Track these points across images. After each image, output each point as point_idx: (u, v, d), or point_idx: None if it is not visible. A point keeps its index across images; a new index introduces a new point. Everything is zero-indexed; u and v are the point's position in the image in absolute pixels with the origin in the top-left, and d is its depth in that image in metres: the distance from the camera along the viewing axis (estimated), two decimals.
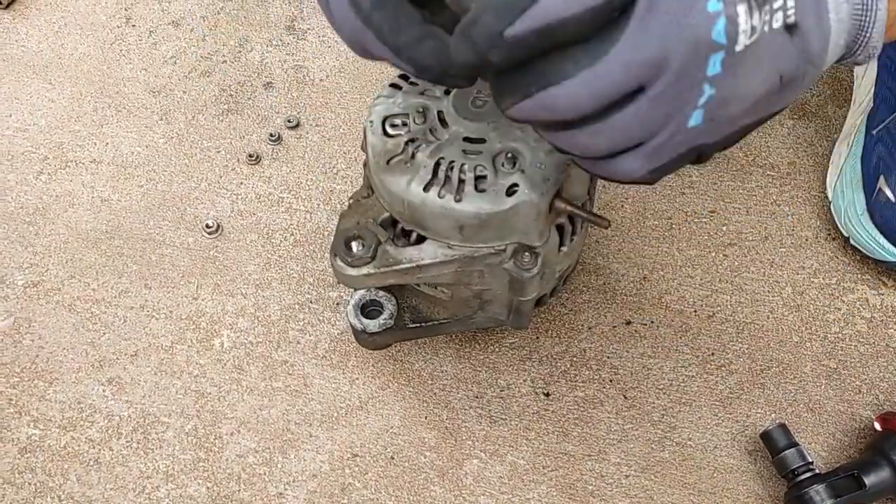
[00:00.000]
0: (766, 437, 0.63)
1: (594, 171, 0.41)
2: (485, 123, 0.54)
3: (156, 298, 0.72)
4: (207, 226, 0.75)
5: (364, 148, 0.57)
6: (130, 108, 0.83)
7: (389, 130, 0.55)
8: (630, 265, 0.74)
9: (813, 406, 0.67)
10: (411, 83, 0.57)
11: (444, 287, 0.60)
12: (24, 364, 0.69)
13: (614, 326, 0.71)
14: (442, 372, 0.69)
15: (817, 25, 0.37)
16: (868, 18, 0.39)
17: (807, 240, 0.75)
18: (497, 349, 0.70)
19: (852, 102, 0.80)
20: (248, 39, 0.87)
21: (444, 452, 0.66)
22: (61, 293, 0.72)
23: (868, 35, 0.40)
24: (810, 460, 0.61)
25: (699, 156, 0.39)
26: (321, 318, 0.71)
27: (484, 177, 0.53)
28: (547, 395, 0.68)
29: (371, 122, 0.56)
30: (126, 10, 0.89)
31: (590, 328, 0.71)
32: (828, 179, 0.77)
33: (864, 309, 0.72)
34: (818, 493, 0.59)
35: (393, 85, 0.57)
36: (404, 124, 0.55)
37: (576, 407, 0.68)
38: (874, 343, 0.70)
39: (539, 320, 0.71)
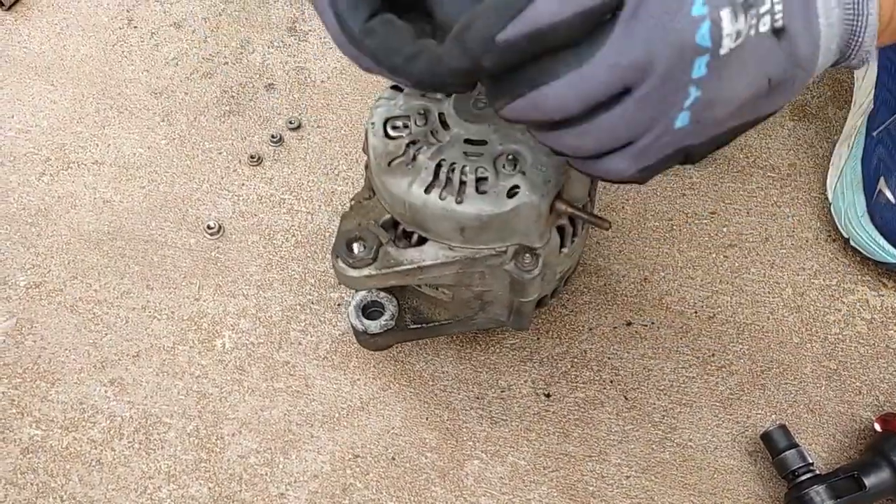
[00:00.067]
0: (766, 437, 0.63)
1: (584, 170, 0.42)
2: (486, 125, 0.54)
3: (157, 299, 0.72)
4: (209, 227, 0.75)
5: (365, 150, 0.57)
6: (132, 110, 0.83)
7: (391, 132, 0.55)
8: (631, 266, 0.74)
9: (813, 407, 0.68)
10: None
11: (445, 288, 0.60)
12: (26, 365, 0.69)
13: (615, 327, 0.71)
14: (443, 373, 0.69)
15: (806, 30, 0.37)
16: (860, 23, 0.39)
17: (807, 241, 0.75)
18: (498, 350, 0.70)
19: (852, 104, 0.80)
20: (250, 41, 0.87)
21: (445, 453, 0.66)
22: (63, 294, 0.73)
23: (860, 40, 0.40)
24: (810, 461, 0.61)
25: (687, 156, 0.40)
26: (322, 319, 0.71)
27: (485, 178, 0.53)
28: (548, 395, 0.68)
29: (372, 123, 0.56)
30: (128, 11, 0.90)
31: (590, 329, 0.71)
32: (828, 181, 0.77)
33: (864, 310, 0.72)
34: (818, 493, 0.59)
35: (394, 87, 0.57)
36: (406, 126, 0.55)
37: (576, 408, 0.68)
38: (874, 344, 0.70)
39: (540, 321, 0.71)
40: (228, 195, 0.78)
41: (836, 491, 0.59)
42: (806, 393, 0.68)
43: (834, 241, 0.75)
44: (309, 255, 0.75)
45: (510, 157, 0.53)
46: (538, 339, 0.70)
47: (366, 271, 0.55)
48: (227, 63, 0.86)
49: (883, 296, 0.72)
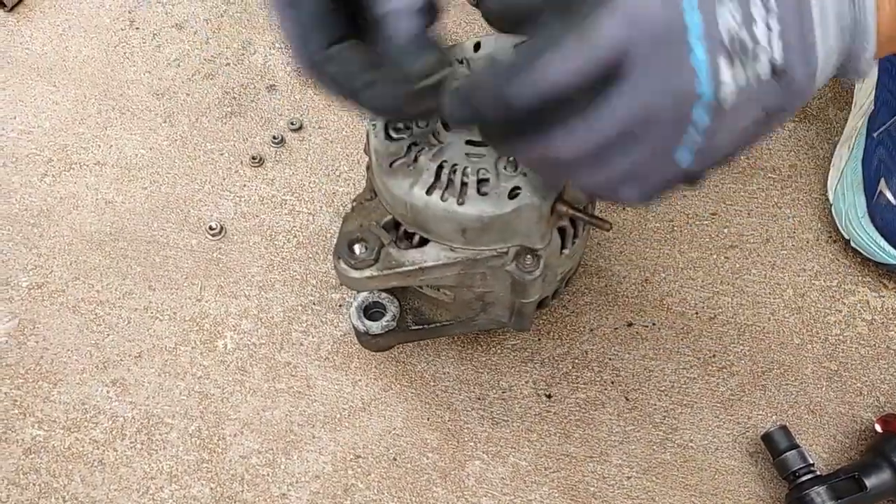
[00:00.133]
0: (767, 438, 0.63)
1: (591, 195, 0.43)
2: None
3: (159, 300, 0.73)
4: (211, 228, 0.75)
5: (367, 151, 0.57)
6: (134, 111, 0.83)
7: (392, 134, 0.55)
8: (632, 267, 0.74)
9: (814, 408, 0.68)
10: None
11: (446, 289, 0.60)
12: (28, 365, 0.70)
13: (616, 328, 0.71)
14: (444, 374, 0.69)
15: (803, 63, 0.38)
16: (858, 44, 0.39)
17: (808, 242, 0.75)
18: (499, 351, 0.70)
19: (853, 105, 0.80)
20: (252, 42, 0.88)
21: (446, 454, 0.66)
22: (65, 295, 0.73)
23: (859, 59, 0.40)
24: (811, 462, 0.61)
25: (688, 180, 0.42)
26: (324, 319, 0.72)
27: (486, 180, 0.53)
28: (549, 396, 0.68)
29: (374, 125, 0.56)
30: (129, 13, 0.90)
31: (591, 330, 0.71)
32: (829, 182, 0.77)
33: (864, 311, 0.72)
34: (819, 494, 0.59)
35: None
36: (407, 127, 0.55)
37: (577, 409, 0.68)
38: (875, 345, 0.70)
39: (541, 322, 0.71)
40: (230, 196, 0.78)
41: (836, 492, 0.59)
42: (807, 394, 0.68)
43: (835, 242, 0.75)
44: (310, 255, 0.75)
45: (511, 158, 0.53)
46: (539, 339, 0.71)
47: (367, 272, 0.55)
48: (228, 64, 0.86)
49: (884, 297, 0.72)
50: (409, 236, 0.57)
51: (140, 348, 0.70)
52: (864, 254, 0.72)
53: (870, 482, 0.60)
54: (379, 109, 0.43)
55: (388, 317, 0.63)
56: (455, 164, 0.53)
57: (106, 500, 0.64)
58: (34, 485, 0.65)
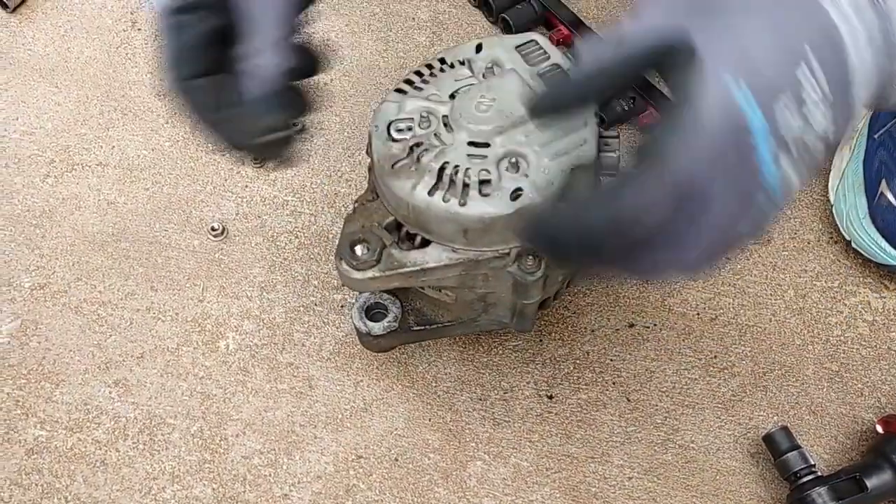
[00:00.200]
0: (768, 439, 0.63)
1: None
2: (489, 128, 0.54)
3: (162, 301, 0.73)
4: (213, 228, 0.75)
5: (369, 152, 0.57)
6: (136, 112, 0.83)
7: (394, 135, 0.56)
8: None
9: (815, 409, 0.68)
10: (416, 88, 0.58)
11: (448, 290, 0.60)
12: (30, 366, 0.70)
13: (617, 329, 0.71)
14: (446, 374, 0.69)
15: (848, 126, 0.41)
16: (891, 89, 0.41)
17: (809, 243, 0.76)
18: (500, 352, 0.70)
19: None
20: None
21: (447, 454, 0.66)
22: (68, 295, 0.73)
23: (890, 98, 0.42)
24: (812, 463, 0.61)
25: (746, 242, 0.44)
26: (326, 320, 0.72)
27: (488, 181, 0.53)
28: (550, 397, 0.68)
29: (376, 126, 0.56)
30: (132, 13, 0.90)
31: (593, 331, 0.71)
32: (830, 183, 0.77)
33: (866, 312, 0.72)
34: (820, 495, 0.59)
35: (398, 90, 0.58)
36: (409, 129, 0.56)
37: (579, 409, 0.68)
38: (876, 346, 0.70)
39: (542, 323, 0.71)
40: (232, 197, 0.78)
41: (838, 493, 0.59)
42: (808, 395, 0.68)
43: (836, 243, 0.75)
44: (312, 256, 0.75)
45: (513, 159, 0.53)
46: (541, 340, 0.71)
47: (369, 273, 0.55)
48: None
49: (885, 298, 0.73)
50: (410, 237, 0.57)
51: (142, 349, 0.70)
52: (866, 255, 0.72)
53: (871, 483, 0.60)
54: (226, 146, 0.48)
55: (389, 318, 0.63)
56: (457, 165, 0.53)
57: (108, 500, 0.64)
58: (36, 485, 0.65)
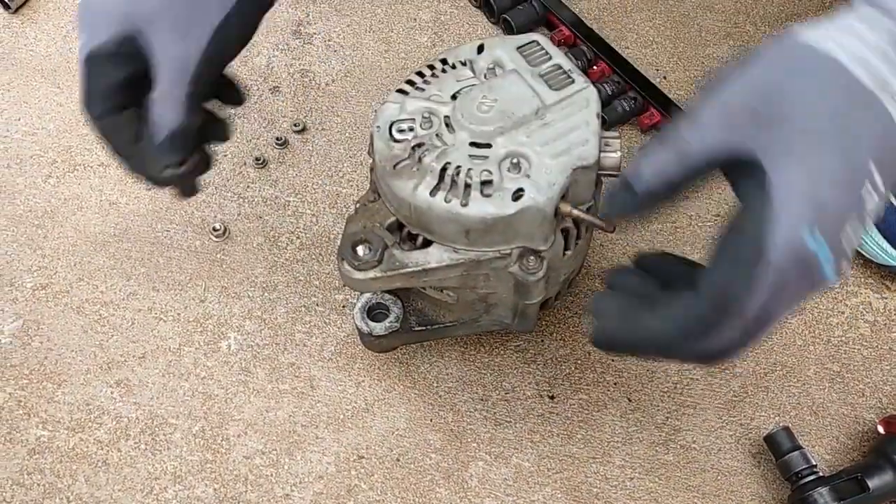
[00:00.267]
0: (769, 439, 0.63)
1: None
2: (491, 128, 0.54)
3: (163, 301, 0.73)
4: (215, 229, 0.75)
5: (370, 152, 0.58)
6: None
7: (396, 135, 0.56)
8: None
9: (816, 409, 0.68)
10: (418, 89, 0.58)
11: (449, 290, 0.61)
12: (32, 366, 0.70)
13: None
14: (447, 374, 0.69)
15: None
16: None
17: None
18: (502, 352, 0.70)
19: None
20: (255, 44, 0.87)
21: (449, 454, 0.66)
22: (70, 296, 0.73)
23: None
24: (814, 463, 0.61)
25: None
26: (327, 320, 0.72)
27: (490, 181, 0.53)
28: (552, 397, 0.68)
29: (378, 126, 0.56)
30: None
31: None
32: None
33: (867, 313, 0.72)
34: (822, 496, 0.59)
35: (400, 90, 0.58)
36: (411, 129, 0.56)
37: (580, 410, 0.68)
38: (877, 347, 0.70)
39: (544, 323, 0.71)
40: (234, 197, 0.78)
41: (839, 493, 0.59)
42: (809, 395, 0.68)
43: None
44: (313, 257, 0.75)
45: (515, 160, 0.54)
46: (542, 341, 0.71)
47: (371, 273, 0.55)
48: (231, 66, 0.86)
49: (886, 298, 0.73)
50: (412, 238, 0.57)
51: (144, 349, 0.71)
52: (867, 256, 0.72)
53: (872, 483, 0.60)
54: (137, 176, 0.55)
55: (391, 318, 0.63)
56: (459, 166, 0.53)
57: (110, 500, 0.64)
58: (38, 485, 0.65)
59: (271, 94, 0.84)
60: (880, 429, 0.63)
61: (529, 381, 0.69)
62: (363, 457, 0.66)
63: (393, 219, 0.57)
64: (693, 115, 0.42)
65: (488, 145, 0.54)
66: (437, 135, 0.55)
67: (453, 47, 0.60)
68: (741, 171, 0.41)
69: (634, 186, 0.43)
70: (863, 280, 0.73)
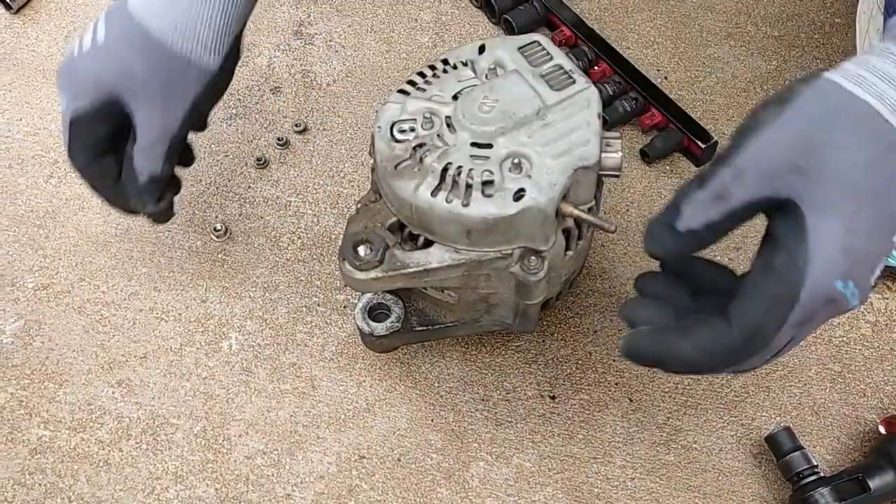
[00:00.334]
0: (771, 440, 0.63)
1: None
2: (492, 128, 0.54)
3: (165, 301, 0.73)
4: (216, 229, 0.75)
5: (372, 153, 0.58)
6: None
7: (397, 136, 0.56)
8: (635, 269, 0.74)
9: (818, 409, 0.68)
10: (419, 89, 0.58)
11: (450, 290, 0.61)
12: (34, 366, 0.70)
13: (620, 330, 0.71)
14: (448, 375, 0.69)
15: None
16: None
17: None
18: (503, 352, 0.70)
19: None
20: (256, 44, 0.88)
21: (450, 454, 0.66)
22: (71, 296, 0.73)
23: None
24: (815, 463, 0.61)
25: None
26: (328, 320, 0.72)
27: (491, 182, 0.53)
28: (553, 397, 0.68)
29: (379, 127, 0.56)
30: None
31: (595, 332, 0.71)
32: None
33: (868, 313, 0.72)
34: (823, 496, 0.59)
35: (401, 91, 0.58)
36: (412, 129, 0.56)
37: (581, 410, 0.68)
38: (878, 347, 0.70)
39: (545, 324, 0.71)
40: (235, 198, 0.78)
41: (840, 493, 0.59)
42: (810, 395, 0.68)
43: None
44: (315, 257, 0.75)
45: (516, 160, 0.54)
46: (543, 341, 0.71)
47: (372, 274, 0.55)
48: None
49: (887, 299, 0.73)
50: (413, 238, 0.57)
51: (145, 349, 0.71)
52: None
53: (873, 483, 0.60)
54: (117, 210, 0.64)
55: (392, 318, 0.63)
56: (460, 166, 0.54)
57: (111, 500, 0.64)
58: (40, 485, 0.65)
59: (272, 94, 0.84)
60: (881, 429, 0.63)
61: (530, 382, 0.69)
62: (364, 457, 0.66)
63: (394, 219, 0.57)
64: (734, 162, 0.43)
65: (489, 145, 0.54)
66: (438, 135, 0.55)
67: (454, 48, 0.60)
68: (779, 208, 0.43)
69: (676, 226, 0.44)
70: None
